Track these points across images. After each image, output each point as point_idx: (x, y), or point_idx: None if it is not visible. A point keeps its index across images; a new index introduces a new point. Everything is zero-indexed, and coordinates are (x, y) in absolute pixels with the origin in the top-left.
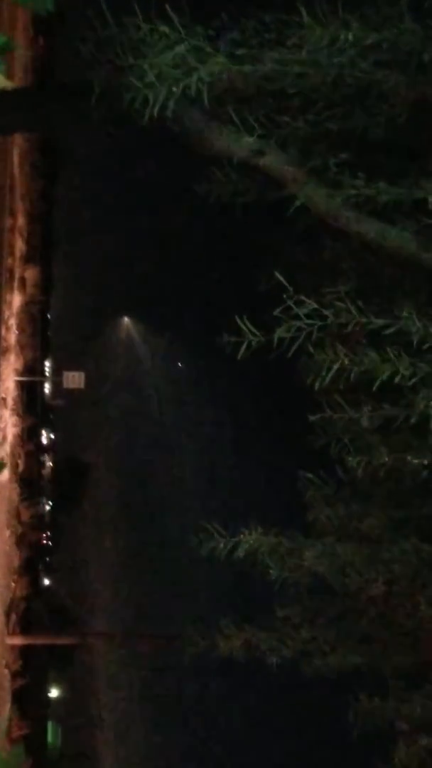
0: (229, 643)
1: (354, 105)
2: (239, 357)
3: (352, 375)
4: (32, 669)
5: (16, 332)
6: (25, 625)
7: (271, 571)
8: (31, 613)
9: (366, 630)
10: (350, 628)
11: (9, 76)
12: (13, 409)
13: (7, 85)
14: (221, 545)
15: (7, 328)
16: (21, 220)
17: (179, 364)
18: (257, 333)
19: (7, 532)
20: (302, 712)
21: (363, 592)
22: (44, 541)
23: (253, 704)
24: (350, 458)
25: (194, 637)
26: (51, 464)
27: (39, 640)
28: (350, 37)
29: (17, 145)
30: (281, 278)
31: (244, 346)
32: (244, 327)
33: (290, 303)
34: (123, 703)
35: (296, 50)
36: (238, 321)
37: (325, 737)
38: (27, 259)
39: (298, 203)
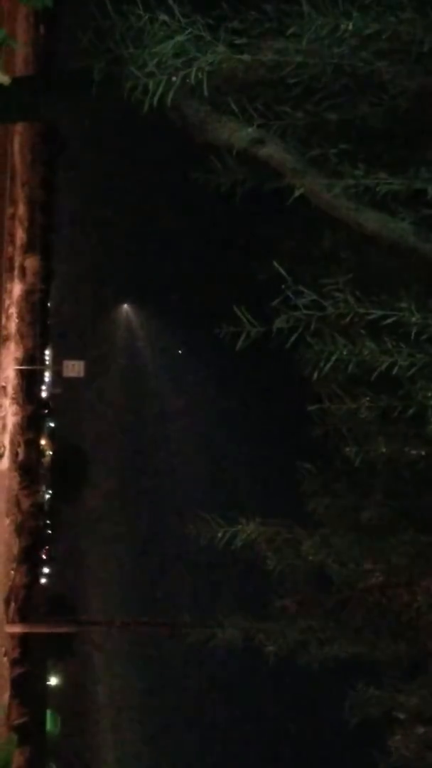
0: (227, 632)
1: (354, 95)
2: (238, 348)
3: (351, 366)
4: (31, 657)
5: (17, 321)
6: (24, 614)
7: (269, 561)
8: (30, 602)
9: (363, 620)
10: (348, 618)
11: (9, 65)
12: (13, 398)
13: (5, 80)
14: (219, 535)
15: (8, 317)
16: (21, 209)
17: (179, 351)
18: (256, 323)
19: (7, 521)
20: (300, 701)
21: (360, 583)
22: (44, 530)
23: (252, 692)
24: (348, 449)
25: (193, 626)
26: (51, 453)
27: (38, 629)
28: (350, 26)
29: (18, 133)
30: (280, 269)
31: (242, 337)
32: (242, 317)
33: (289, 293)
34: (121, 691)
35: (296, 40)
36: (237, 311)
37: (323, 726)
38: (27, 248)
39: (297, 193)
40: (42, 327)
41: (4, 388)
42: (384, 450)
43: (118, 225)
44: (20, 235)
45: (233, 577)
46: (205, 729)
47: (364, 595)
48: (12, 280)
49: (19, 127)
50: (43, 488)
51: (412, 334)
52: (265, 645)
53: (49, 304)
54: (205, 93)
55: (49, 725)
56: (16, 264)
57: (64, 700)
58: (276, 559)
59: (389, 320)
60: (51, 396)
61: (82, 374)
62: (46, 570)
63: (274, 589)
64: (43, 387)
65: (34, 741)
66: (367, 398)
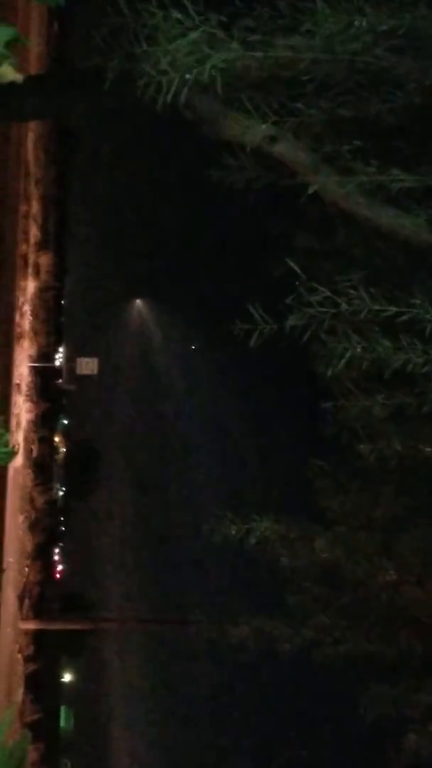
0: (240, 629)
1: (368, 91)
2: (251, 345)
3: (365, 363)
4: (45, 654)
5: (30, 318)
6: (38, 610)
7: (282, 559)
8: (44, 598)
9: (377, 618)
10: (361, 615)
11: (23, 63)
12: (26, 395)
13: (18, 78)
14: (233, 532)
15: (21, 315)
16: (35, 206)
17: (193, 348)
18: (269, 320)
19: (21, 518)
20: (313, 700)
21: (374, 580)
22: (57, 527)
23: (265, 690)
24: (362, 446)
25: (206, 623)
26: (64, 450)
27: (52, 625)
28: (364, 23)
29: (32, 131)
30: (294, 266)
31: (256, 334)
32: (256, 314)
33: (302, 290)
34: (135, 688)
35: (310, 36)
36: (251, 308)
37: (336, 725)
38: (41, 246)
39: (311, 190)
40: (56, 324)
41: (18, 385)
42: (398, 447)
43: (131, 222)
44: (34, 233)
45: (247, 574)
46: (220, 725)
47: (377, 593)
48: (26, 277)
49: (32, 125)
50: (57, 485)
51: (427, 331)
52: (279, 643)
53: (62, 302)
54: (219, 90)
55: (63, 722)
56: (30, 261)
57: (77, 697)
58: (289, 556)
59: (403, 317)
60: (65, 393)
61: (95, 372)
62: (59, 567)
63: (288, 586)
64: (57, 384)
65: (47, 738)
66: (381, 395)
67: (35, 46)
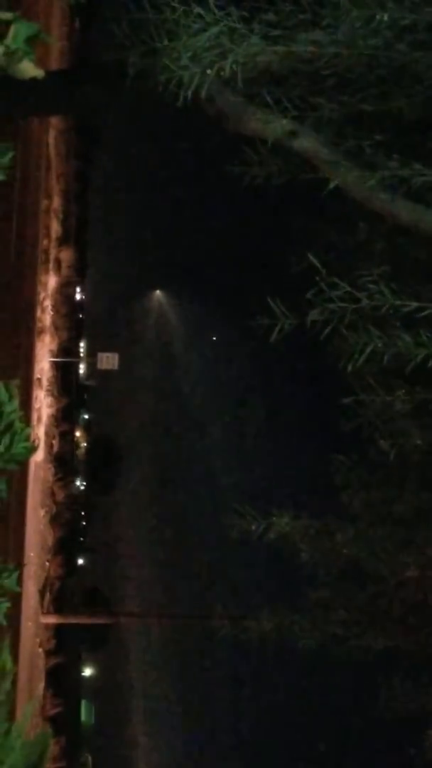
0: (261, 624)
1: (389, 86)
2: (272, 340)
3: (385, 358)
4: (66, 648)
5: (51, 313)
6: (59, 605)
7: (303, 554)
8: (65, 593)
9: (398, 613)
10: (382, 611)
11: (44, 58)
12: (48, 390)
13: (39, 74)
14: (254, 527)
15: (42, 310)
16: (56, 202)
17: (213, 342)
18: (290, 315)
19: (42, 512)
20: (334, 695)
21: (395, 575)
22: (78, 521)
23: (285, 684)
24: (383, 441)
25: (227, 618)
26: (85, 444)
27: (73, 620)
28: (386, 17)
29: (53, 126)
30: (314, 260)
31: (277, 329)
32: (276, 309)
33: (323, 285)
34: (156, 682)
35: (331, 31)
36: (271, 303)
37: (357, 721)
38: (62, 241)
39: (332, 185)
40: (77, 319)
41: (39, 380)
42: (418, 442)
43: (152, 217)
44: (55, 228)
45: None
46: (240, 719)
47: (398, 588)
48: (47, 272)
49: (54, 120)
50: (78, 480)
51: None
52: (300, 638)
53: (83, 297)
54: (240, 85)
55: (83, 716)
56: (51, 256)
57: (98, 691)
58: (310, 551)
59: (424, 312)
60: (86, 388)
61: (116, 366)
62: (80, 561)
63: (308, 581)
64: (78, 379)
65: (68, 731)
66: (402, 391)
67: (57, 41)
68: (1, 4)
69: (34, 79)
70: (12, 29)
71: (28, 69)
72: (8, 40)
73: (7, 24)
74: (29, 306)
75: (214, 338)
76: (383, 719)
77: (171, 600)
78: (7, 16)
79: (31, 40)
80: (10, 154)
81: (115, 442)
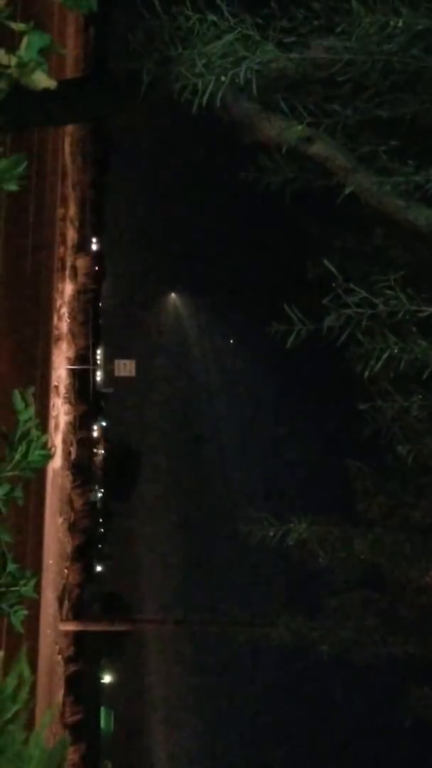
0: (280, 631)
1: (404, 92)
2: (289, 346)
3: (402, 363)
4: (85, 655)
5: (68, 321)
6: (77, 612)
7: (320, 560)
8: (83, 600)
9: (416, 619)
10: (401, 617)
11: (60, 66)
12: (65, 397)
13: (51, 85)
14: (271, 534)
15: (59, 317)
16: (72, 210)
17: (230, 348)
18: (306, 321)
19: (60, 519)
20: (353, 701)
21: (413, 582)
22: (96, 528)
23: (305, 691)
24: (400, 447)
25: (246, 625)
26: (103, 452)
27: (91, 627)
28: (400, 23)
29: (68, 134)
30: (330, 266)
31: (293, 335)
32: (293, 315)
33: (340, 291)
34: (175, 689)
35: (345, 37)
36: (288, 310)
37: (377, 726)
38: (78, 248)
39: (347, 191)
40: (94, 327)
41: (56, 387)
42: None
43: (168, 224)
44: (71, 236)
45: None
46: (260, 726)
47: (416, 594)
48: (63, 280)
49: (69, 128)
50: (96, 487)
51: None
52: (318, 644)
53: (100, 304)
54: (254, 92)
55: (103, 723)
56: (68, 264)
57: (117, 698)
58: (328, 557)
59: None
60: (103, 395)
61: (133, 373)
62: (99, 568)
63: (326, 588)
64: (95, 386)
65: (88, 738)
66: (419, 396)
67: (72, 49)
68: (13, 14)
69: (47, 89)
70: (25, 40)
71: (41, 80)
72: (21, 51)
73: (20, 35)
74: (46, 314)
75: (231, 341)
76: (402, 725)
77: (189, 607)
78: (20, 27)
79: (44, 51)
80: (23, 165)
81: (133, 449)
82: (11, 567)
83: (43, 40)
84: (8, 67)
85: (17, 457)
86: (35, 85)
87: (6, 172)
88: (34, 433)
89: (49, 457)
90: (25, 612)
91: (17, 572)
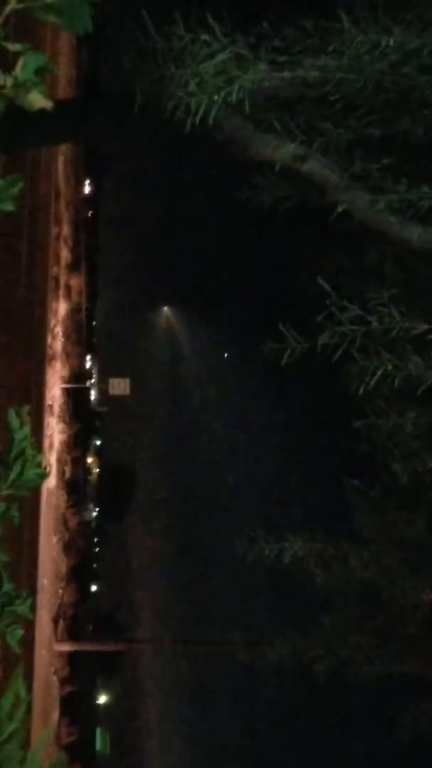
0: (276, 651)
1: (396, 110)
2: (283, 364)
3: (397, 380)
4: (80, 675)
5: (62, 340)
6: (72, 632)
7: (317, 578)
8: (78, 620)
9: (413, 637)
10: (397, 635)
11: (53, 87)
12: (59, 416)
13: (47, 105)
14: (267, 552)
15: (53, 336)
16: (66, 229)
17: (224, 368)
18: (300, 339)
19: (55, 539)
20: (350, 720)
21: (410, 599)
22: (91, 548)
23: (301, 710)
24: (396, 464)
25: (242, 645)
26: (97, 471)
27: (87, 647)
28: (391, 42)
29: (62, 154)
30: (324, 284)
31: (287, 353)
32: (287, 333)
33: (334, 309)
34: (171, 710)
35: (337, 56)
36: (282, 328)
37: (376, 745)
38: (72, 267)
39: (340, 209)
40: (87, 345)
41: (50, 406)
42: (431, 465)
43: (162, 243)
44: (65, 255)
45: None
46: (255, 745)
47: (413, 612)
48: (57, 299)
49: (63, 148)
50: (90, 506)
51: None
52: (315, 663)
53: (94, 323)
54: (247, 111)
55: (98, 744)
56: (62, 283)
57: (113, 719)
58: (324, 575)
59: None
60: (97, 414)
61: (127, 392)
62: (93, 588)
63: (323, 606)
64: (90, 405)
65: (83, 760)
66: (414, 413)
67: (65, 70)
68: (9, 35)
69: (42, 110)
70: (21, 60)
71: (37, 100)
72: (17, 72)
73: (16, 55)
74: (40, 333)
75: (226, 358)
76: (400, 743)
77: (185, 626)
78: (16, 47)
79: (40, 72)
80: (19, 185)
81: (127, 468)
82: (7, 586)
83: (39, 60)
84: (3, 87)
85: (12, 475)
86: (31, 105)
87: (2, 192)
88: (30, 451)
89: (45, 476)
90: (21, 632)
91: (13, 591)
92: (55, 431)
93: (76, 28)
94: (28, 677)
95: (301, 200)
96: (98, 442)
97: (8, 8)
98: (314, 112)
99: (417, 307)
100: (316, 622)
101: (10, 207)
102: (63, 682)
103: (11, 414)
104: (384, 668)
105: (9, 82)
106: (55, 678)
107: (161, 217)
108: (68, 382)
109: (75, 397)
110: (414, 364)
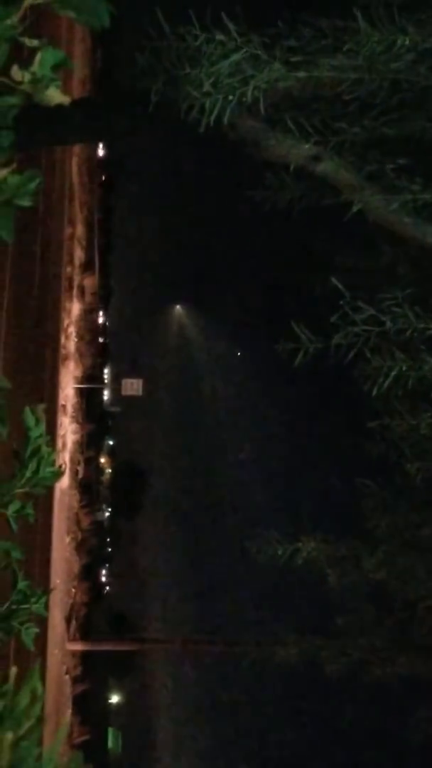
0: (288, 651)
1: (411, 110)
2: (296, 363)
3: (411, 381)
4: (92, 675)
5: (75, 340)
6: (85, 632)
7: (329, 579)
8: (91, 620)
9: (425, 638)
10: (409, 637)
11: (67, 87)
12: (72, 416)
13: (65, 100)
14: (280, 552)
15: (67, 336)
16: (80, 229)
17: (237, 365)
18: (314, 339)
19: (67, 539)
20: (362, 721)
21: (423, 601)
22: (104, 548)
23: (313, 710)
24: (409, 465)
25: (254, 645)
26: (110, 471)
27: (99, 647)
28: (407, 41)
29: (76, 154)
30: (338, 284)
31: (301, 353)
32: (300, 333)
33: (347, 309)
34: (182, 709)
35: (352, 56)
36: (296, 328)
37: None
38: (86, 268)
39: (355, 209)
40: (101, 346)
41: (63, 406)
42: None
43: (175, 243)
44: (79, 255)
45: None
46: (266, 745)
47: (425, 613)
48: (71, 299)
49: (77, 148)
50: (103, 506)
51: None
52: (327, 663)
53: (107, 323)
54: (262, 111)
55: (110, 743)
56: (75, 284)
57: (125, 718)
58: (337, 576)
59: None
60: (110, 414)
61: (140, 392)
62: (106, 588)
63: (335, 607)
64: (103, 405)
65: (96, 759)
66: (428, 414)
67: (79, 69)
68: (26, 31)
69: (59, 107)
70: (38, 56)
71: (55, 96)
72: (34, 68)
73: (33, 51)
74: (54, 333)
75: (239, 358)
76: (411, 745)
77: (197, 626)
78: (33, 43)
79: (57, 68)
80: (36, 181)
81: (140, 468)
82: (22, 584)
83: (56, 56)
84: (21, 83)
85: (28, 474)
86: (49, 101)
87: (20, 187)
88: (45, 450)
89: (60, 474)
90: (36, 630)
91: (28, 589)
92: (68, 431)
93: (93, 24)
94: (41, 676)
95: (316, 200)
96: (111, 442)
97: (27, 2)
98: (329, 112)
99: (431, 307)
100: (329, 623)
101: (27, 203)
102: (75, 681)
103: (27, 412)
104: (396, 669)
105: (26, 77)
106: (67, 677)
107: (174, 218)
108: (81, 382)
109: (88, 397)
110: (428, 364)
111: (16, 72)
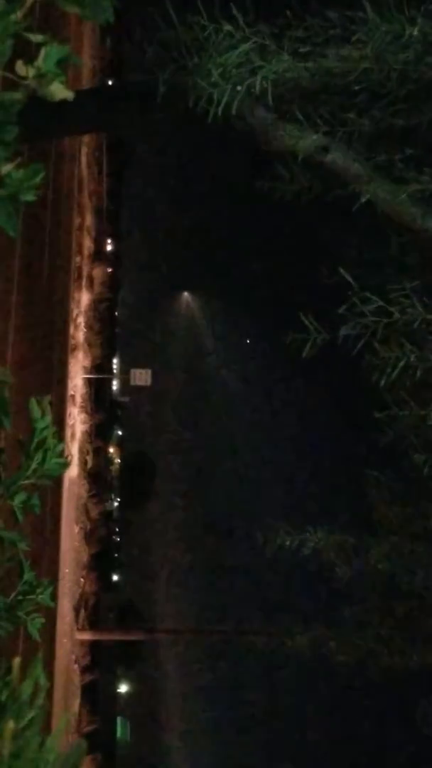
0: (296, 641)
1: (419, 100)
2: (304, 355)
3: (419, 372)
4: (101, 664)
5: (84, 330)
6: (93, 621)
7: (337, 570)
8: (99, 609)
9: None
10: (418, 627)
11: (76, 77)
12: (81, 407)
13: (69, 96)
14: (288, 543)
15: (76, 326)
16: (89, 219)
17: (246, 354)
18: (322, 330)
19: (76, 528)
20: (370, 712)
21: (431, 591)
22: (113, 537)
23: (321, 701)
24: (417, 456)
25: (262, 635)
26: (119, 461)
27: (108, 636)
28: (415, 32)
29: (85, 144)
30: (346, 275)
31: (309, 344)
32: (308, 324)
33: (356, 300)
34: (191, 698)
35: (361, 46)
36: (303, 318)
37: (394, 736)
38: (95, 258)
39: (363, 199)
40: (110, 336)
41: (72, 396)
42: None
43: (184, 233)
44: (88, 245)
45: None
46: (275, 734)
47: None
48: (80, 289)
49: (86, 138)
50: (112, 496)
51: None
52: (335, 654)
53: (116, 313)
54: (270, 101)
55: (119, 732)
56: (84, 273)
57: (134, 707)
58: (344, 567)
59: None
60: (119, 404)
61: (149, 383)
62: (115, 577)
63: (343, 597)
64: (112, 395)
65: (104, 748)
66: None
67: (88, 60)
68: (31, 26)
69: (64, 100)
70: (43, 51)
71: (59, 91)
72: (39, 62)
73: (38, 46)
74: (63, 323)
75: (248, 349)
76: (420, 736)
77: (206, 616)
78: (38, 38)
79: (62, 63)
80: (40, 175)
81: (149, 458)
82: (28, 575)
83: (61, 51)
84: (26, 78)
85: (34, 465)
86: (53, 96)
87: (24, 182)
88: (51, 441)
89: (66, 465)
90: (42, 620)
91: (34, 580)
92: (77, 421)
93: (98, 18)
94: (50, 666)
95: (324, 191)
96: (120, 433)
97: None
98: (337, 102)
99: None
100: (337, 613)
101: (31, 197)
102: (84, 670)
103: (32, 403)
104: (405, 660)
105: (31, 72)
106: (76, 666)
107: (183, 208)
108: (90, 372)
109: (97, 387)
110: None
111: (20, 67)
